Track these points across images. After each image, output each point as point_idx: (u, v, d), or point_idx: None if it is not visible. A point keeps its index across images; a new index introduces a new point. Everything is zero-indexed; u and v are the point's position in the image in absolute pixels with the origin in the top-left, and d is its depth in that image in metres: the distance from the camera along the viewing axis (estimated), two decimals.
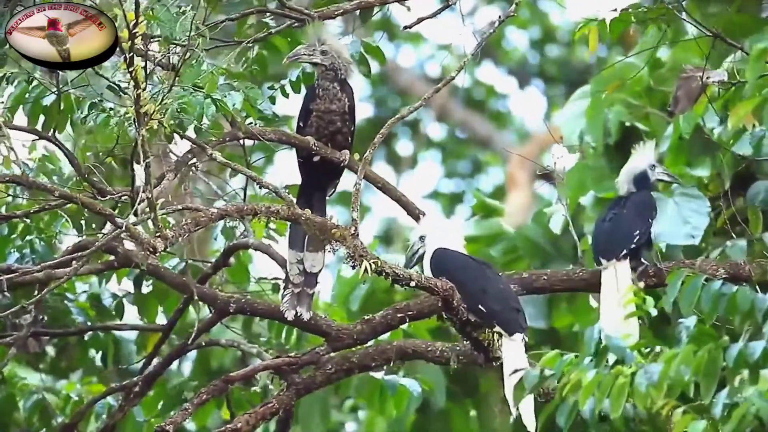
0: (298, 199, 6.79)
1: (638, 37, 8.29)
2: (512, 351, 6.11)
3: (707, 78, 7.02)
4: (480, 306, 6.19)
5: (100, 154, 6.70)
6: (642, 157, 6.81)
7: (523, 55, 16.86)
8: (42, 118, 6.60)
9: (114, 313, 7.96)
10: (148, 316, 7.91)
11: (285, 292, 6.83)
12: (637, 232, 6.59)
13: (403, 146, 17.02)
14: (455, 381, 8.25)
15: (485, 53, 16.52)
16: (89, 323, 7.84)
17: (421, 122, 16.85)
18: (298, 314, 6.75)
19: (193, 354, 8.67)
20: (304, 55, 6.77)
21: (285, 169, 7.11)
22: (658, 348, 4.95)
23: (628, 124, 8.34)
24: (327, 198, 6.95)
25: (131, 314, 7.98)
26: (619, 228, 6.61)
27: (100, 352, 8.01)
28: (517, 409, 5.81)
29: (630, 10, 6.95)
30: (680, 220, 7.11)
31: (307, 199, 6.84)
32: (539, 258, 8.55)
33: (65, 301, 7.87)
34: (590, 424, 5.04)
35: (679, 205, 7.11)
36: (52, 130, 6.47)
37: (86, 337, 7.98)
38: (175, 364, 8.63)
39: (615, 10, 6.95)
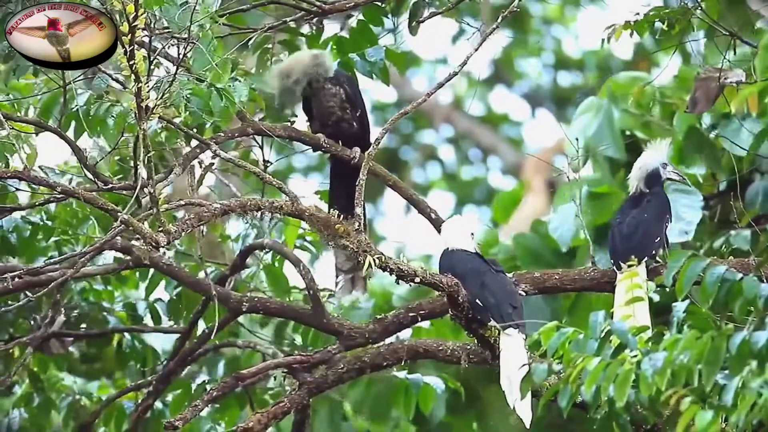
0: (331, 193, 6.64)
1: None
2: (510, 346, 5.67)
3: (725, 78, 6.53)
4: (477, 300, 5.78)
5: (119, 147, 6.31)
6: (654, 154, 6.28)
7: (536, 79, 16.23)
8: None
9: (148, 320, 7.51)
10: (180, 321, 7.42)
11: (337, 279, 6.62)
12: (658, 238, 6.12)
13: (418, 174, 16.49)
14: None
15: (498, 78, 16.07)
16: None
17: (437, 149, 16.35)
18: (355, 297, 6.61)
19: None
20: None
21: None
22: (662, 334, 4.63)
23: (628, 133, 7.92)
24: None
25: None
26: (640, 234, 6.12)
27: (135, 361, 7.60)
28: (514, 402, 5.44)
29: (652, 12, 6.56)
30: (674, 218, 6.60)
31: (337, 193, 6.63)
32: (539, 267, 7.96)
33: (103, 312, 7.44)
34: (589, 407, 4.67)
35: (673, 202, 6.63)
36: (58, 124, 6.10)
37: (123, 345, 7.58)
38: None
39: (637, 14, 6.57)
